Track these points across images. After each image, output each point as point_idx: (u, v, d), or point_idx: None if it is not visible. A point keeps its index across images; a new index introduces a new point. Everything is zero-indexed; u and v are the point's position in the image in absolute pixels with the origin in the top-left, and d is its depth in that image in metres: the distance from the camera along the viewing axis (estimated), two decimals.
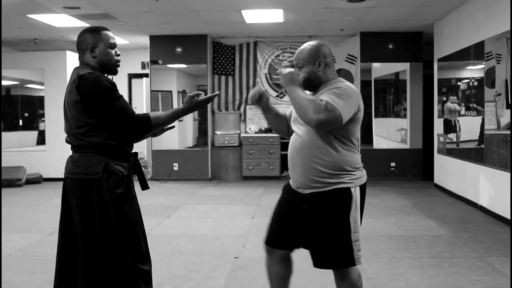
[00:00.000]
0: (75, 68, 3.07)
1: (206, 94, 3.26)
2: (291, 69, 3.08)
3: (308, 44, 3.18)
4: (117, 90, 2.99)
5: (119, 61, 3.15)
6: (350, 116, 2.96)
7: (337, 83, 3.06)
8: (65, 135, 3.10)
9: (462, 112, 8.47)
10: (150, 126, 3.04)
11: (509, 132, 6.58)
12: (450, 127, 9.02)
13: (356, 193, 3.02)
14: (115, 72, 3.17)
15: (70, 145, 3.08)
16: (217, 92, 3.11)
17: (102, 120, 2.97)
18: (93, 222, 2.99)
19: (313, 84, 3.11)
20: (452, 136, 9.05)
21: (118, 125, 2.99)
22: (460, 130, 8.65)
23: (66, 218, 3.16)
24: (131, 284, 3.03)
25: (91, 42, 3.07)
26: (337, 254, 3.05)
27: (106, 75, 3.11)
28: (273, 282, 3.29)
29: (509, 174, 6.48)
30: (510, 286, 4.26)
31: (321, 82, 3.11)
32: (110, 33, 3.13)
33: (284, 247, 3.21)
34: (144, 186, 3.31)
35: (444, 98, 9.38)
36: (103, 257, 2.99)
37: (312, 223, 3.05)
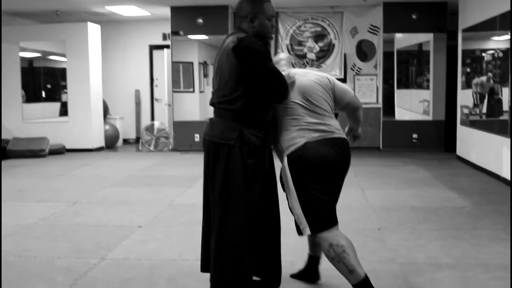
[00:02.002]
0: (232, 33, 3.19)
1: None
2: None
3: None
4: (270, 55, 3.12)
5: (273, 32, 3.31)
6: None
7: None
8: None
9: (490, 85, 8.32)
10: (288, 92, 3.16)
11: None
12: (482, 99, 8.75)
13: (285, 171, 3.22)
14: (268, 44, 3.28)
15: (213, 108, 3.23)
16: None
17: (253, 84, 3.06)
18: (219, 185, 3.09)
19: None
20: (479, 107, 8.88)
21: (269, 87, 3.08)
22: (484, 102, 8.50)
23: (207, 175, 3.25)
24: (238, 254, 3.10)
25: (252, 12, 3.17)
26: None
27: None
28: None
29: None
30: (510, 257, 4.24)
31: None
32: (271, 5, 3.23)
33: None
34: None
35: (468, 70, 9.24)
36: (221, 218, 3.10)
37: None
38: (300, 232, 3.29)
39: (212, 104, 3.24)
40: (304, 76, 3.35)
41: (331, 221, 3.21)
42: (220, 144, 3.10)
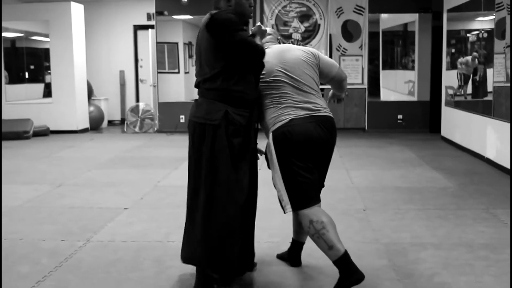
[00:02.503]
0: (209, 13, 3.17)
1: None
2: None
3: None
4: (241, 25, 3.10)
5: (252, 12, 3.25)
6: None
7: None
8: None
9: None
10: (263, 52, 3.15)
11: None
12: (466, 80, 8.79)
13: (270, 148, 3.25)
14: (247, 23, 3.25)
15: (197, 89, 3.23)
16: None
17: (230, 56, 3.05)
18: (206, 166, 3.09)
19: None
20: (463, 88, 8.94)
21: (244, 54, 3.08)
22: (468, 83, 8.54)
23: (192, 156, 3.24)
24: (226, 235, 3.11)
25: None
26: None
27: None
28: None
29: None
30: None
31: None
32: None
33: None
34: None
35: (453, 50, 9.27)
36: (208, 199, 3.10)
37: None
38: (283, 210, 3.30)
39: (196, 85, 3.23)
40: (288, 52, 3.36)
41: (312, 199, 3.23)
42: (206, 124, 3.09)
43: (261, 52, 3.13)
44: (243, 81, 3.11)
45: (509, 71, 6.81)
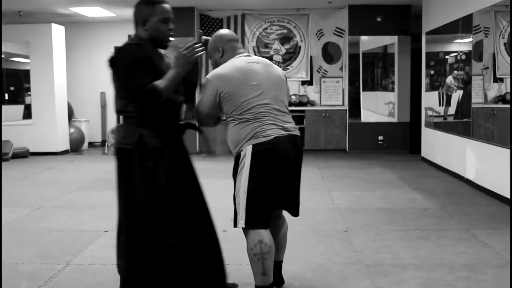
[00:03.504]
0: (115, 47, 3.15)
1: (195, 67, 3.30)
2: None
3: (213, 35, 3.51)
4: (142, 65, 2.97)
5: (171, 35, 3.15)
6: (210, 101, 3.28)
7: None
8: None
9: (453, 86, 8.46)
10: (159, 96, 2.98)
11: (496, 105, 6.61)
12: (448, 100, 8.86)
13: (245, 159, 3.20)
14: (165, 47, 3.20)
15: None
16: (198, 42, 3.15)
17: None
18: (121, 191, 3.10)
19: None
20: (440, 109, 9.05)
21: (129, 97, 3.02)
22: (450, 104, 8.63)
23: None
24: (153, 257, 3.09)
25: (144, 15, 3.10)
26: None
27: (156, 48, 3.17)
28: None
29: (495, 147, 6.53)
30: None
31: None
32: (166, 6, 3.12)
33: None
34: (210, 152, 3.48)
35: (432, 72, 9.38)
36: (125, 227, 3.12)
37: None
38: (234, 224, 3.30)
39: (116, 111, 3.20)
40: (272, 68, 3.40)
41: (269, 220, 3.25)
42: (122, 149, 3.09)
43: (151, 98, 2.98)
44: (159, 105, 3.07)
45: (487, 92, 6.90)
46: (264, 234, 3.18)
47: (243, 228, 3.25)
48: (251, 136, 3.20)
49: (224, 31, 3.54)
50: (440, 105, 9.03)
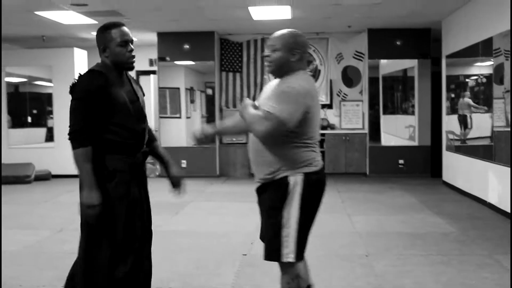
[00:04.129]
0: (74, 78, 3.15)
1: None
2: (245, 102, 3.13)
3: (290, 31, 3.15)
4: (90, 97, 3.00)
5: (132, 57, 3.14)
6: (297, 117, 2.91)
7: (291, 80, 3.03)
8: None
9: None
10: (82, 143, 3.03)
11: None
12: (465, 122, 8.87)
13: (295, 188, 3.00)
14: (130, 69, 3.19)
15: None
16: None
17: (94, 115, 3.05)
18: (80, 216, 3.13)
19: (282, 70, 3.11)
20: (462, 132, 8.99)
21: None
22: (472, 126, 8.59)
23: None
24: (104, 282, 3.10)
25: (102, 42, 3.12)
26: (267, 246, 3.07)
27: (124, 71, 3.19)
28: None
29: None
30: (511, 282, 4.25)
31: (289, 71, 3.09)
32: (121, 30, 3.11)
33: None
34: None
35: (453, 95, 9.34)
36: (83, 250, 3.15)
37: (261, 215, 3.20)
38: (274, 256, 3.04)
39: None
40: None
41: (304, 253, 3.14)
42: None
43: (74, 143, 3.08)
44: (116, 130, 3.08)
45: (508, 115, 6.85)
46: (301, 268, 3.10)
47: (283, 262, 3.03)
48: (306, 163, 3.03)
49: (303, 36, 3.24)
50: (465, 127, 8.98)
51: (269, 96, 3.05)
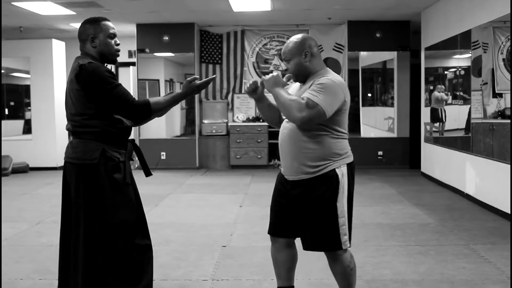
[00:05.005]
0: (76, 58, 3.16)
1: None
2: (274, 73, 3.27)
3: (294, 37, 3.28)
4: (116, 79, 3.09)
5: (118, 50, 3.25)
6: (336, 108, 3.08)
7: (322, 75, 3.16)
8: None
9: (449, 101, 8.51)
10: (150, 111, 3.14)
11: (495, 121, 6.63)
12: (436, 116, 9.05)
13: (343, 179, 3.13)
14: (114, 62, 3.28)
15: (69, 132, 3.21)
16: (214, 76, 3.22)
17: (103, 108, 3.06)
18: (90, 207, 3.06)
19: (302, 75, 3.24)
20: (437, 125, 9.10)
21: (119, 112, 3.09)
22: (446, 119, 8.70)
23: (66, 202, 3.21)
24: (123, 272, 3.13)
25: (91, 32, 3.16)
26: (324, 238, 3.17)
27: (105, 64, 3.22)
28: (279, 270, 3.42)
29: (495, 162, 6.53)
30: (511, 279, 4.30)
31: (309, 72, 3.22)
32: (110, 23, 3.22)
33: (285, 235, 3.33)
34: (147, 173, 3.44)
35: (431, 87, 9.41)
36: (98, 242, 3.08)
37: (301, 209, 3.18)
38: (333, 247, 3.19)
39: (68, 128, 3.22)
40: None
41: None
42: (84, 165, 3.08)
43: (137, 113, 3.13)
44: (115, 123, 3.12)
45: (486, 107, 6.92)
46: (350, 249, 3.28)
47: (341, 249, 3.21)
48: (348, 155, 3.23)
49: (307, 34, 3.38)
50: (434, 121, 9.10)
51: (305, 90, 3.14)
